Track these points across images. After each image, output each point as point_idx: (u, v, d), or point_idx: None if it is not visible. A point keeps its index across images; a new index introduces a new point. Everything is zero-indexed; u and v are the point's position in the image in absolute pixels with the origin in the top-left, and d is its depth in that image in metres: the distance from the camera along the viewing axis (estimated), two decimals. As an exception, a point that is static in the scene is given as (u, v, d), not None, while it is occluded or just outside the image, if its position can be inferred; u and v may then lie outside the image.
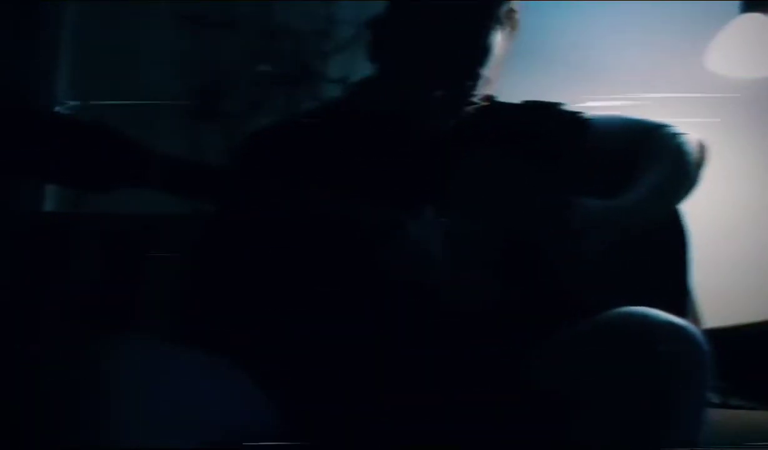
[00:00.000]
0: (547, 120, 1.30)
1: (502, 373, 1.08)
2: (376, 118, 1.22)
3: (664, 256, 1.26)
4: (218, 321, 1.15)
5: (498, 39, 1.20)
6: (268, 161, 1.22)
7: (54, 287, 1.63)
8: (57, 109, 1.98)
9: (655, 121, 1.34)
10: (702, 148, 1.33)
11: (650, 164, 1.26)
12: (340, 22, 2.06)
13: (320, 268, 1.14)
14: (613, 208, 1.19)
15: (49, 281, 1.64)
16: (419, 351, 1.10)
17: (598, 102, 1.97)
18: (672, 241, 1.27)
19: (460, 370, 1.10)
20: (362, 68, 1.30)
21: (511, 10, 1.22)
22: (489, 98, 1.27)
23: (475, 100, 1.22)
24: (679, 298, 1.23)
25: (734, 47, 1.92)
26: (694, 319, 1.22)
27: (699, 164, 1.31)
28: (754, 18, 1.90)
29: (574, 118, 1.31)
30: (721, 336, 1.08)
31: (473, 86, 1.20)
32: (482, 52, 1.19)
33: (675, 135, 1.31)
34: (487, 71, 1.20)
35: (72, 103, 2.00)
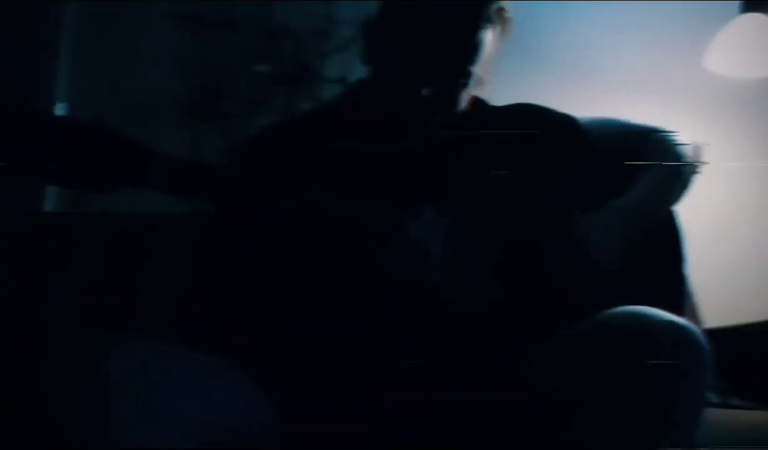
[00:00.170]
0: (543, 123, 1.30)
1: (502, 373, 1.08)
2: (372, 118, 1.22)
3: (660, 256, 1.26)
4: (218, 321, 1.15)
5: (488, 37, 1.20)
6: (267, 162, 1.22)
7: (54, 287, 1.63)
8: (57, 109, 1.98)
9: (649, 123, 1.34)
10: (696, 150, 1.33)
11: (645, 167, 1.26)
12: (340, 22, 2.06)
13: (320, 268, 1.14)
14: (613, 210, 1.20)
15: (49, 281, 1.64)
16: (419, 351, 1.10)
17: (597, 102, 1.98)
18: (668, 242, 1.28)
19: (460, 370, 1.10)
20: (362, 68, 1.30)
21: (501, 9, 1.22)
22: (482, 101, 1.28)
23: (469, 100, 1.23)
24: (677, 298, 1.23)
25: (734, 47, 1.92)
26: (694, 318, 1.23)
27: (693, 166, 1.31)
28: (754, 18, 1.90)
29: (569, 121, 1.31)
30: (721, 336, 1.08)
31: (465, 84, 1.20)
32: (472, 49, 1.18)
33: (668, 137, 1.31)
34: (478, 69, 1.20)
35: (72, 103, 2.00)
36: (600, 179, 1.25)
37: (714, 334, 1.04)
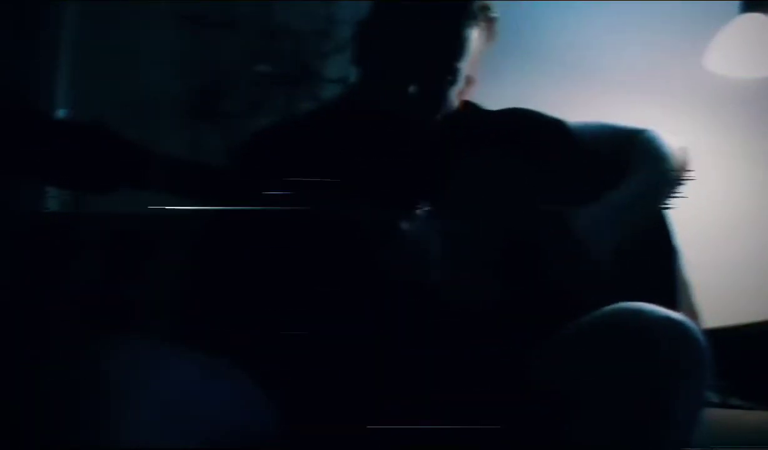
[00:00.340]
0: (534, 127, 1.31)
1: (502, 372, 1.08)
2: (366, 119, 1.23)
3: (651, 255, 1.27)
4: (218, 321, 1.15)
5: (473, 35, 1.22)
6: (266, 162, 1.23)
7: (54, 287, 1.63)
8: (57, 109, 1.98)
9: (637, 126, 1.35)
10: (684, 152, 1.33)
11: (631, 169, 1.27)
12: (340, 22, 2.06)
13: (319, 267, 1.14)
14: (598, 211, 1.20)
15: (49, 281, 1.64)
16: (419, 351, 1.10)
17: (597, 102, 1.98)
18: (658, 241, 1.28)
19: (459, 370, 1.10)
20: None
21: (486, 7, 1.24)
22: (474, 105, 1.30)
23: (460, 103, 1.24)
24: (670, 296, 1.23)
25: (734, 47, 1.92)
26: (691, 315, 1.23)
27: (680, 168, 1.32)
28: (754, 18, 1.90)
29: (559, 125, 1.32)
30: (721, 336, 1.08)
31: (452, 81, 1.21)
32: (457, 46, 1.20)
33: (655, 139, 1.32)
34: (464, 66, 1.21)
35: (72, 103, 2.00)
36: (588, 181, 1.25)
37: (714, 334, 1.04)
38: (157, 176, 1.03)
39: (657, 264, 1.27)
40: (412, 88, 1.17)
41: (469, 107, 1.31)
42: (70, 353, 0.93)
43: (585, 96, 2.00)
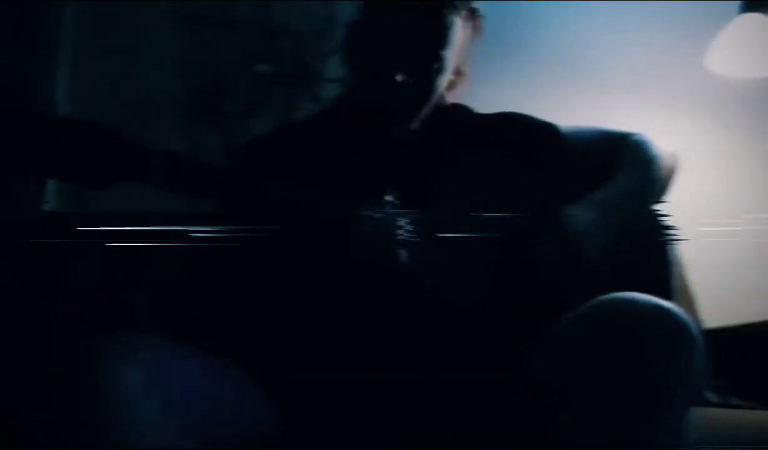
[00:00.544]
0: (524, 130, 1.31)
1: (500, 372, 1.08)
2: (360, 118, 1.23)
3: (647, 258, 1.27)
4: (218, 321, 1.15)
5: (456, 23, 1.23)
6: (266, 162, 1.23)
7: (54, 287, 1.63)
8: (57, 109, 1.98)
9: (626, 130, 1.36)
10: (673, 156, 1.34)
11: (618, 171, 1.28)
12: (340, 22, 2.06)
13: (318, 267, 1.14)
14: (588, 211, 1.20)
15: (50, 281, 1.64)
16: (418, 350, 1.11)
17: (597, 102, 1.98)
18: (650, 240, 1.28)
19: (459, 369, 1.10)
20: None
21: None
22: (465, 107, 1.32)
23: (450, 105, 1.26)
24: (663, 293, 1.24)
25: (734, 47, 1.92)
26: (693, 317, 1.23)
27: (669, 171, 1.32)
28: (754, 18, 1.90)
29: (550, 128, 1.33)
30: (721, 336, 1.08)
31: (438, 70, 1.22)
32: (441, 34, 1.21)
33: (644, 143, 1.32)
34: (450, 55, 1.22)
35: (72, 103, 2.00)
36: (578, 184, 1.26)
37: (714, 334, 1.04)
38: (155, 172, 1.03)
39: (652, 265, 1.27)
40: (399, 77, 1.18)
41: (458, 110, 1.32)
42: (70, 353, 0.93)
43: (585, 96, 2.00)
